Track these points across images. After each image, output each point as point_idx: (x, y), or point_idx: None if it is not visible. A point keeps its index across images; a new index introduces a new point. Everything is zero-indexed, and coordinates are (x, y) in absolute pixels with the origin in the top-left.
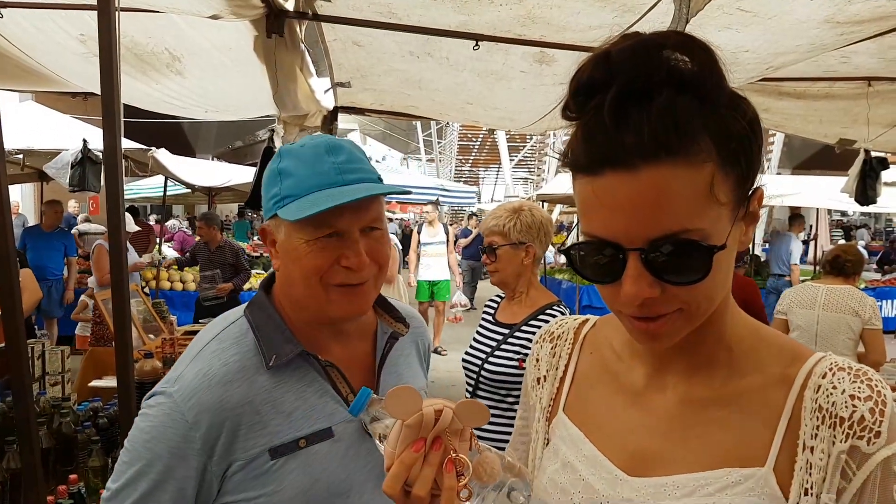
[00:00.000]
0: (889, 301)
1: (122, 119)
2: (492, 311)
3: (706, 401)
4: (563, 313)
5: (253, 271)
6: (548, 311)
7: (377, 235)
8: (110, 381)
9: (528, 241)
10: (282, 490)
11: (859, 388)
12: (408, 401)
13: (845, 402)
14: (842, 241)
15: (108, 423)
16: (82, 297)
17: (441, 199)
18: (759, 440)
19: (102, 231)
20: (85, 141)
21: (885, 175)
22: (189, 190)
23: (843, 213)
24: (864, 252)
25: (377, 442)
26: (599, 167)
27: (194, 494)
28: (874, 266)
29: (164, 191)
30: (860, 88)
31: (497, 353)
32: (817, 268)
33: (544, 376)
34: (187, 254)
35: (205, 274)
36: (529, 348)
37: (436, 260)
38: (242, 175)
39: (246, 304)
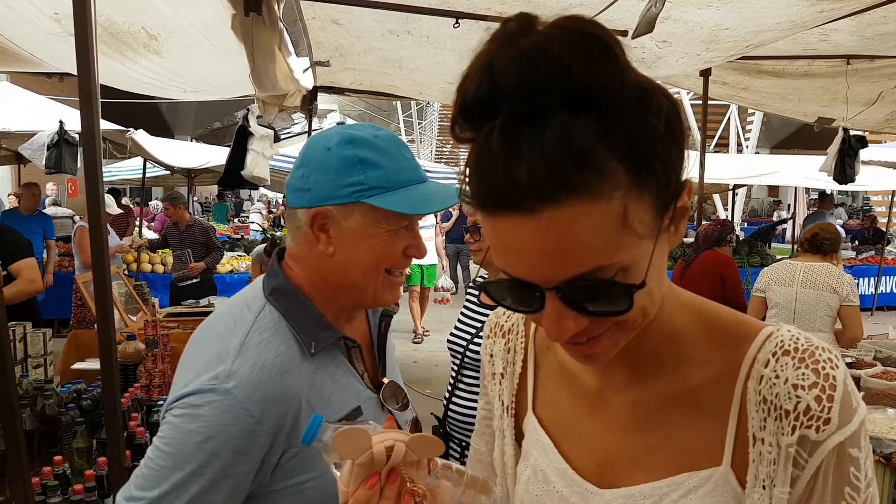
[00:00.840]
0: (865, 279)
1: (100, 100)
2: (476, 294)
3: (661, 399)
4: None
5: (234, 253)
6: None
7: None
8: (93, 364)
9: None
10: (328, 472)
11: (803, 374)
12: (356, 440)
13: (788, 392)
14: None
15: (91, 405)
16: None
17: None
18: (713, 438)
19: (70, 214)
20: (61, 122)
21: (864, 153)
22: (168, 172)
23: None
24: (842, 231)
25: (332, 469)
26: (496, 208)
27: (248, 487)
28: (850, 245)
29: (143, 173)
30: (839, 67)
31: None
32: (795, 246)
33: (501, 373)
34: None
35: (176, 254)
36: None
37: (427, 244)
38: (222, 156)
39: (263, 291)
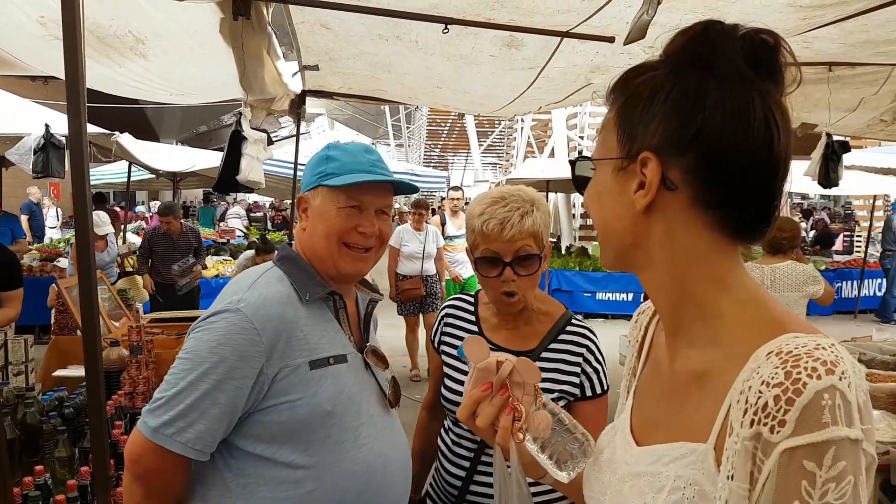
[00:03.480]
0: (848, 282)
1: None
2: (475, 332)
3: (688, 376)
4: (580, 321)
5: (220, 258)
6: (572, 324)
7: (385, 219)
8: (75, 371)
9: (546, 241)
10: (319, 393)
11: (775, 374)
12: (479, 348)
13: (757, 387)
14: (804, 224)
15: (74, 412)
16: (52, 285)
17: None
18: (707, 418)
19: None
20: (47, 126)
21: (846, 158)
22: (153, 175)
23: (804, 196)
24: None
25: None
26: None
27: (248, 394)
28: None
29: (129, 176)
30: (822, 73)
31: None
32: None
33: (629, 342)
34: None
35: (179, 266)
36: (568, 380)
37: (464, 255)
38: (207, 160)
39: (275, 258)
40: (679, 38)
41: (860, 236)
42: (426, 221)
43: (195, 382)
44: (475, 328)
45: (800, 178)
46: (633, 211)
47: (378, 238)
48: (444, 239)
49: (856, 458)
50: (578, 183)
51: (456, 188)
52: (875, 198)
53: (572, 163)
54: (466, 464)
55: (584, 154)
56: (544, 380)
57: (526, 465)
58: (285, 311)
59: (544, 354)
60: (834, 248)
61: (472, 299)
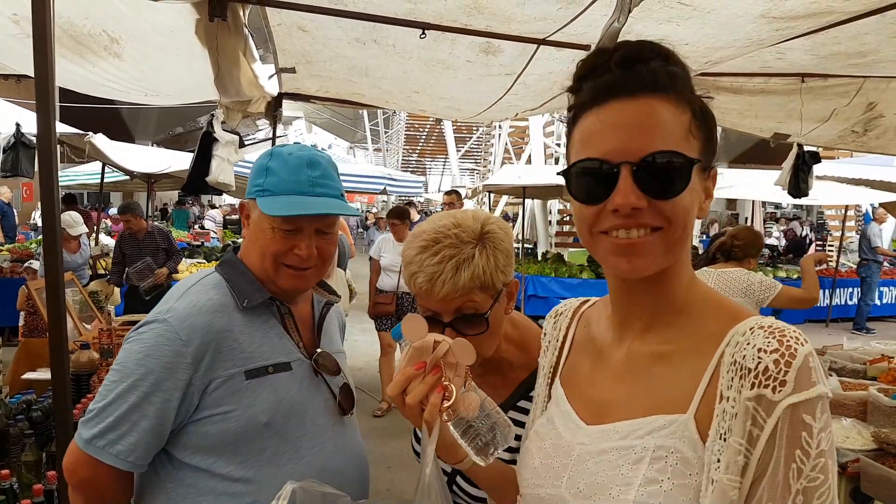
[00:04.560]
0: (820, 291)
1: (58, 103)
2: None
3: (651, 356)
4: None
5: (194, 260)
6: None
7: (328, 237)
8: (44, 374)
9: (508, 277)
10: (255, 405)
11: (768, 342)
12: (417, 327)
13: (753, 355)
14: (776, 232)
15: (42, 416)
16: (21, 287)
17: (388, 188)
18: (685, 391)
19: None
20: (18, 125)
21: (817, 169)
22: (128, 177)
23: (777, 206)
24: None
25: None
26: (604, 99)
27: (177, 406)
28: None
29: (102, 178)
30: (794, 84)
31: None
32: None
33: (546, 347)
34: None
35: (136, 266)
36: None
37: None
38: (182, 161)
39: (217, 263)
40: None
41: (832, 246)
42: (381, 227)
43: (123, 395)
44: None
45: (772, 188)
46: (697, 216)
47: (318, 258)
48: None
49: (829, 411)
50: (677, 185)
51: (451, 191)
52: (847, 208)
53: (686, 161)
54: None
55: (674, 153)
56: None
57: (447, 447)
58: (215, 320)
59: (512, 415)
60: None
61: None
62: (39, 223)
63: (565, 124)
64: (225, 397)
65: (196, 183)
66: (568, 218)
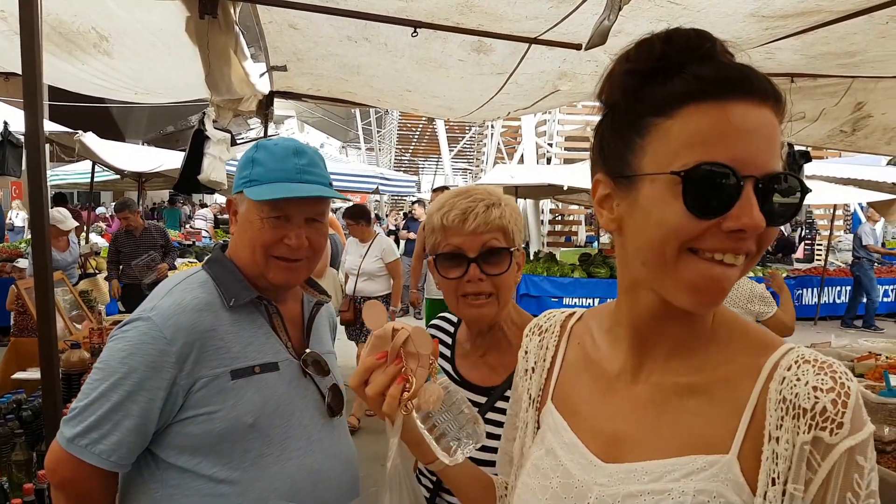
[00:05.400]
0: (809, 290)
1: (46, 101)
2: (448, 361)
3: (679, 388)
4: None
5: (185, 259)
6: None
7: (317, 227)
8: (34, 373)
9: (520, 245)
10: (240, 405)
11: (822, 380)
12: (377, 315)
13: (808, 393)
14: None
15: (32, 416)
16: (11, 286)
17: (381, 187)
18: (724, 428)
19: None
20: (6, 123)
21: (807, 168)
22: (118, 176)
23: None
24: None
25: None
26: (732, 93)
27: (161, 406)
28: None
29: (92, 177)
30: (784, 84)
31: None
32: None
33: (532, 368)
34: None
35: (138, 261)
36: None
37: None
38: (174, 160)
39: (203, 261)
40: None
41: (821, 245)
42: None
43: (106, 393)
44: (448, 352)
45: None
46: None
47: (309, 248)
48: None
49: (874, 449)
50: (786, 212)
51: (442, 188)
52: (835, 207)
53: (799, 185)
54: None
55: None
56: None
57: (413, 443)
58: (200, 319)
59: (502, 404)
60: (795, 255)
61: (455, 319)
62: (17, 223)
63: (622, 108)
64: (210, 397)
65: (188, 181)
66: (560, 218)
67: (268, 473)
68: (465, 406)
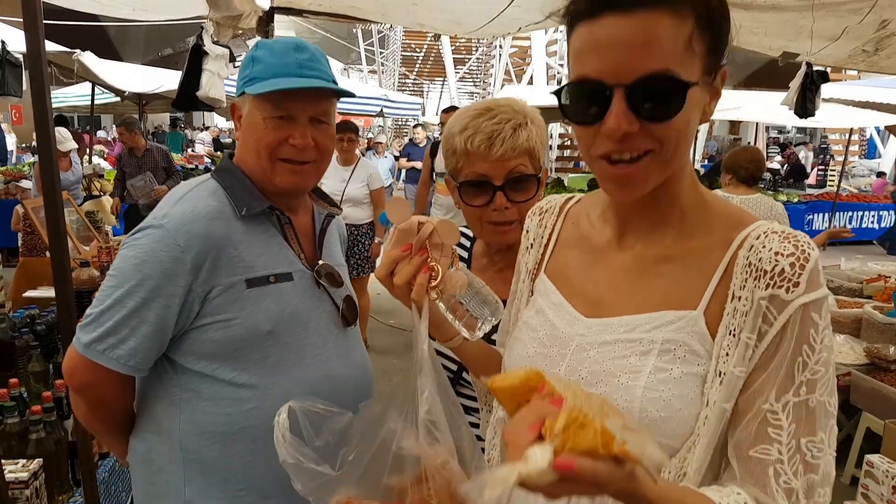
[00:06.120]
0: (820, 214)
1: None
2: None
3: (657, 258)
4: None
5: None
6: None
7: (323, 128)
8: (45, 292)
9: (544, 163)
10: (257, 313)
11: (785, 246)
12: (401, 209)
13: (770, 257)
14: (778, 157)
15: (46, 330)
16: (16, 207)
17: (385, 110)
18: (695, 290)
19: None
20: (3, 42)
21: (824, 90)
22: (118, 98)
23: (781, 130)
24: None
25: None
26: (599, 10)
27: (177, 312)
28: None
29: (92, 99)
30: (806, 1)
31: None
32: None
33: (531, 244)
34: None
35: (134, 181)
36: None
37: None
38: (174, 81)
39: (213, 170)
40: None
41: (834, 170)
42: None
43: (122, 300)
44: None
45: (777, 109)
46: (700, 121)
47: (315, 150)
48: (436, 176)
49: (829, 312)
50: (670, 109)
51: (450, 109)
52: (851, 132)
53: (680, 83)
54: None
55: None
56: None
57: (437, 325)
58: (213, 228)
59: None
60: (807, 181)
61: (471, 234)
62: (9, 147)
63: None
64: (226, 305)
65: (186, 98)
66: (569, 142)
67: (286, 379)
68: (483, 287)
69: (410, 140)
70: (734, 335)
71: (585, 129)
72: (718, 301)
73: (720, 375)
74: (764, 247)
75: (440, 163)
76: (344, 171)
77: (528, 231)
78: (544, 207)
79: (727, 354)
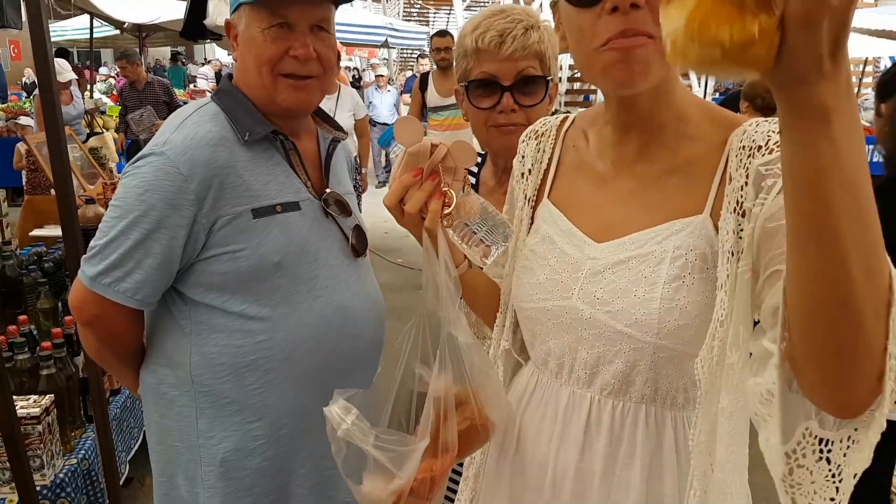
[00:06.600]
0: None
1: None
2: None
3: (659, 173)
4: None
5: None
6: None
7: (324, 37)
8: (51, 230)
9: (554, 75)
10: (264, 244)
11: (777, 126)
12: (412, 130)
13: (763, 134)
14: None
15: (54, 267)
16: (17, 145)
17: (390, 40)
18: (699, 195)
19: None
20: None
21: None
22: (117, 31)
23: None
24: None
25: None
26: None
27: (183, 244)
28: None
29: (91, 32)
30: None
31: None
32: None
33: (529, 170)
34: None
35: (133, 115)
36: None
37: (453, 134)
38: (173, 11)
39: (212, 93)
40: None
41: None
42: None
43: (126, 231)
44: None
45: None
46: None
47: (318, 63)
48: (427, 112)
49: None
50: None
51: (443, 33)
52: (865, 62)
53: None
54: None
55: None
56: None
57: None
58: (216, 155)
59: None
60: None
61: (478, 159)
62: None
63: None
64: (233, 236)
65: (193, 27)
66: (579, 74)
67: (297, 310)
68: (495, 211)
69: (413, 74)
70: (734, 211)
71: (587, 13)
72: (721, 198)
73: (731, 255)
74: (756, 130)
75: (433, 97)
76: (328, 99)
77: (523, 156)
78: (539, 131)
79: (727, 233)
